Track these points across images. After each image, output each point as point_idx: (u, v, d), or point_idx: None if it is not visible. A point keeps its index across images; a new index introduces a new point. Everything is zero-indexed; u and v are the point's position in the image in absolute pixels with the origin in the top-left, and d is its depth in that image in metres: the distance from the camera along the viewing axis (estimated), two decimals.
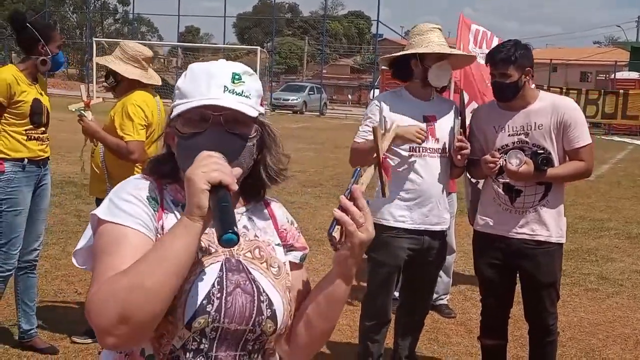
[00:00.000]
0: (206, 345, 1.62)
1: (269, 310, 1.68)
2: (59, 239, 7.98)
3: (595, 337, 5.82)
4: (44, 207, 4.95)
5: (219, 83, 1.69)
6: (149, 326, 1.49)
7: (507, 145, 4.12)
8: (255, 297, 1.67)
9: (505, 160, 4.01)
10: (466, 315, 6.24)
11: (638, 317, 6.42)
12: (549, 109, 4.06)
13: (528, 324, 4.40)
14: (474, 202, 4.50)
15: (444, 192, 4.36)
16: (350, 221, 1.60)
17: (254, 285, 1.69)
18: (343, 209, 1.60)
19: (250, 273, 1.71)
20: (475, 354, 5.34)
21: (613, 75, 40.49)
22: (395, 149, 4.20)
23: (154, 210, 1.67)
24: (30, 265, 4.94)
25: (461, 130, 4.27)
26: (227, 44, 59.83)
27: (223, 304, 1.61)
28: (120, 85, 4.97)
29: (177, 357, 1.61)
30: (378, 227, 4.20)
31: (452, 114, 4.36)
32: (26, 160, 4.70)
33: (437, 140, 4.27)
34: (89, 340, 5.07)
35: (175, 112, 1.70)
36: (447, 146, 4.29)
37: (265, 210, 1.89)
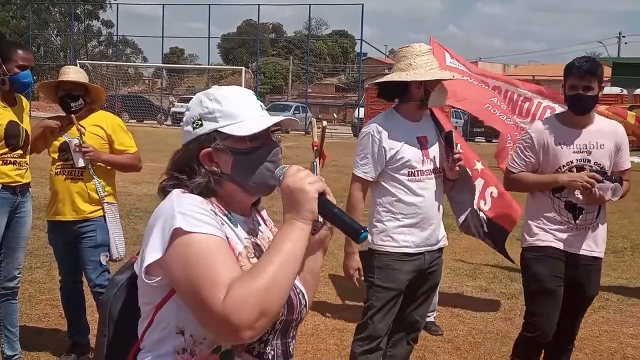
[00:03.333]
0: (271, 336, 1.93)
1: (303, 299, 2.01)
2: (44, 262, 7.91)
3: (582, 351, 5.83)
4: (23, 235, 4.88)
5: (255, 103, 2.01)
6: (277, 316, 1.81)
7: (571, 162, 4.34)
8: (295, 290, 1.98)
9: (597, 189, 4.21)
10: (453, 332, 6.24)
11: (624, 332, 6.44)
12: (608, 130, 4.38)
13: (558, 332, 4.47)
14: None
15: (441, 211, 4.36)
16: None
17: None
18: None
19: None
20: None
21: None
22: (394, 174, 4.20)
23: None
24: (11, 292, 4.89)
25: (456, 142, 4.32)
26: (211, 65, 59.92)
27: (288, 299, 1.88)
28: (84, 108, 5.01)
29: (253, 348, 1.91)
30: (381, 253, 4.24)
31: (435, 130, 4.37)
32: (0, 186, 4.63)
33: (432, 160, 4.26)
34: None
35: (241, 131, 1.92)
36: (438, 165, 4.29)
37: (258, 215, 2.17)
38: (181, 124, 2.10)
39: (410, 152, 4.19)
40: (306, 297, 2.04)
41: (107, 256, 5.01)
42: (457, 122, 35.84)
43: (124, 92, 51.08)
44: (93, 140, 4.93)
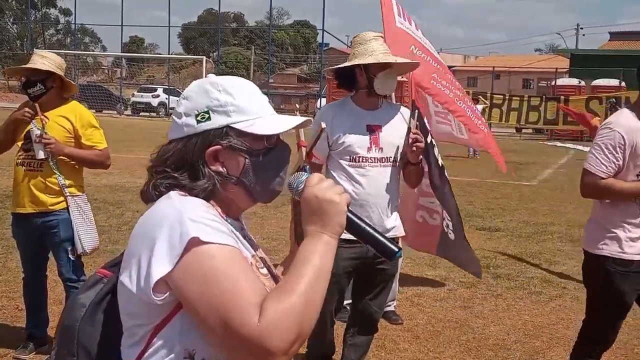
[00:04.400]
0: None
1: None
2: None
3: (539, 339, 5.92)
4: None
5: (265, 98, 1.86)
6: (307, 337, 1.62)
7: None
8: None
9: None
10: (413, 321, 6.28)
11: (580, 319, 6.48)
12: None
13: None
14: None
15: (392, 201, 4.32)
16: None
17: None
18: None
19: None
20: (422, 359, 5.38)
21: (554, 82, 41.42)
22: (337, 160, 4.26)
23: None
24: None
25: (417, 123, 4.29)
26: (172, 54, 59.38)
27: None
28: (47, 95, 4.83)
29: None
30: None
31: (401, 118, 4.36)
32: None
33: (381, 149, 4.25)
34: (31, 355, 4.97)
35: (260, 129, 1.75)
36: (394, 154, 4.28)
37: None
38: (171, 113, 1.87)
39: (353, 139, 4.22)
40: None
41: (72, 251, 4.88)
42: None
43: (83, 82, 50.31)
44: (57, 132, 4.78)
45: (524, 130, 38.92)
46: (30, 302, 5.16)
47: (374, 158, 4.25)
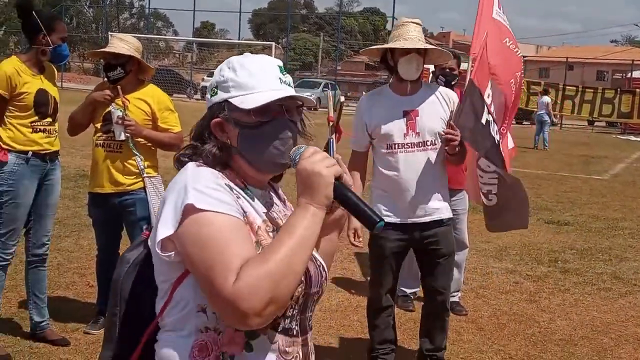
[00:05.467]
0: (295, 311, 1.86)
1: (324, 271, 1.94)
2: (72, 231, 8.01)
3: (608, 336, 5.78)
4: (52, 202, 4.93)
5: (274, 75, 1.90)
6: (288, 302, 1.73)
7: None
8: (316, 263, 1.91)
9: None
10: (477, 312, 6.22)
11: None
12: None
13: None
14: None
15: (435, 183, 4.39)
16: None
17: None
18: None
19: None
20: (486, 351, 5.33)
21: (630, 74, 40.25)
22: (376, 147, 4.41)
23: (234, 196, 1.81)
24: (39, 259, 4.95)
25: (451, 123, 4.29)
26: (242, 40, 59.88)
27: (306, 273, 1.82)
28: (125, 78, 4.95)
29: (278, 323, 1.82)
30: None
31: (440, 100, 4.38)
32: (30, 153, 4.67)
33: (418, 134, 4.32)
34: (101, 331, 5.09)
35: (247, 104, 1.84)
36: (433, 138, 4.33)
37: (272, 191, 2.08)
38: None
39: (390, 126, 4.33)
40: (326, 269, 1.97)
41: (148, 229, 4.95)
42: None
43: (155, 65, 51.16)
44: (136, 114, 4.90)
45: (596, 123, 38.01)
46: (102, 279, 5.27)
47: (411, 143, 4.32)
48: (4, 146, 4.63)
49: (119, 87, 4.88)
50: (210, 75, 50.01)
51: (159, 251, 1.76)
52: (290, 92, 1.89)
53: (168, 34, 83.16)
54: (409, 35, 4.27)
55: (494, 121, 4.72)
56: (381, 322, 4.60)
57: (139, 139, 4.92)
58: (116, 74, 4.91)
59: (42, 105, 4.71)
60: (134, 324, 1.92)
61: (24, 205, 4.73)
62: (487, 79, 4.95)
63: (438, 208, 4.43)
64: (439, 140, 4.33)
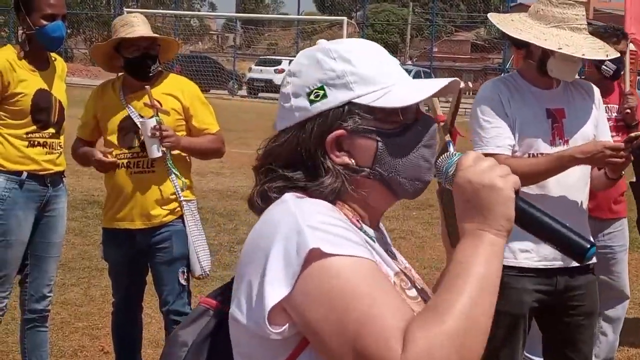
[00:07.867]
0: None
1: None
2: (80, 278, 8.07)
3: None
4: (56, 240, 4.93)
5: (394, 61, 1.88)
6: None
7: None
8: None
9: None
10: None
11: None
12: None
13: None
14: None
15: (582, 206, 4.27)
16: None
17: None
18: None
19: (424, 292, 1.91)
20: None
21: None
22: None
23: None
24: (39, 316, 4.95)
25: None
26: (302, 14, 60.27)
27: None
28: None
29: None
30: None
31: (591, 99, 4.29)
32: (25, 174, 4.64)
33: (567, 142, 4.18)
34: None
35: (391, 101, 1.77)
36: None
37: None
38: (278, 97, 1.92)
39: (533, 129, 4.17)
40: None
41: (185, 272, 4.89)
42: None
43: (185, 52, 51.93)
44: (167, 117, 4.77)
45: None
46: (120, 342, 5.25)
47: None
48: None
49: (148, 88, 4.72)
50: (262, 62, 49.97)
51: (267, 327, 1.62)
52: (442, 80, 1.83)
53: (203, 10, 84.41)
54: (579, 24, 4.09)
55: None
56: None
57: (176, 152, 4.82)
58: (155, 68, 4.83)
59: (42, 111, 4.69)
60: None
61: (17, 244, 4.72)
62: None
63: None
64: None
